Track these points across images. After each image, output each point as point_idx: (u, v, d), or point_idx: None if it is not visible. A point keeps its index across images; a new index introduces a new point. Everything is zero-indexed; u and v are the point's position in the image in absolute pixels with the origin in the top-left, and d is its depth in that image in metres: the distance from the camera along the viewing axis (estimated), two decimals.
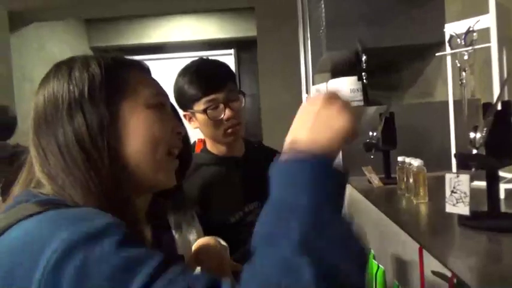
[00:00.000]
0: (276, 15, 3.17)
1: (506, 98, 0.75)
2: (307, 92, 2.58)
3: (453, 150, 1.12)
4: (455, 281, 0.91)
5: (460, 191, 0.71)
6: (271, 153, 1.30)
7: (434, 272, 1.00)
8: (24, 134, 0.60)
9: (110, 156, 0.56)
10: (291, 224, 0.44)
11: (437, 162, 1.13)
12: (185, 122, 1.16)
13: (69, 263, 0.43)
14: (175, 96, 1.17)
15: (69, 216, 0.49)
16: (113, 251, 0.45)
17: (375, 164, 1.24)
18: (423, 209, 0.98)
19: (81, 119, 0.55)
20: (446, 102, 1.17)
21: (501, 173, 0.88)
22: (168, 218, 0.95)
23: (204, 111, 1.13)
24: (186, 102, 1.16)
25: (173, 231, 0.96)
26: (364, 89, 1.58)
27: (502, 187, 0.93)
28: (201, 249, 0.89)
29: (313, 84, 2.46)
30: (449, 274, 0.92)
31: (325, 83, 1.77)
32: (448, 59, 1.15)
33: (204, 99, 1.13)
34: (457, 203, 0.72)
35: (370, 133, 1.22)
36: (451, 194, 0.72)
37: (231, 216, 1.15)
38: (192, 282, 0.44)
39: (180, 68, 1.20)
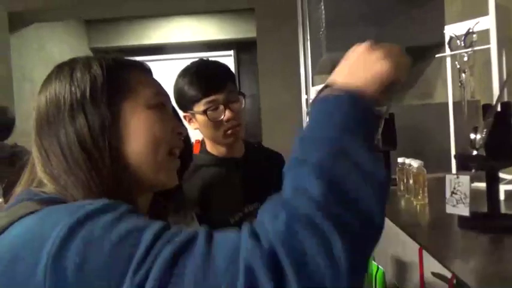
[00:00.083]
0: (275, 16, 3.18)
1: (505, 99, 0.75)
2: (306, 93, 2.58)
3: (453, 151, 1.12)
4: (455, 282, 0.91)
5: (460, 192, 0.71)
6: (271, 154, 1.30)
7: (434, 273, 1.00)
8: (24, 133, 0.60)
9: (112, 156, 0.56)
10: (312, 149, 0.47)
11: (437, 163, 1.13)
12: (185, 123, 1.16)
13: (72, 243, 0.44)
14: (175, 97, 1.17)
15: (68, 207, 0.49)
16: (115, 222, 0.45)
17: None
18: (423, 210, 0.98)
19: (83, 119, 0.56)
20: (446, 104, 1.17)
21: (501, 175, 0.88)
22: (168, 219, 0.95)
23: (204, 112, 1.13)
24: (186, 103, 1.16)
25: None
26: None
27: (502, 188, 0.93)
28: None
29: (312, 85, 2.46)
30: (449, 275, 0.92)
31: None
32: (448, 60, 1.15)
33: (204, 100, 1.13)
34: (457, 204, 0.72)
35: None
36: (451, 195, 0.72)
37: (231, 217, 1.15)
38: (187, 235, 0.45)
39: (179, 69, 1.20)
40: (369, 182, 0.45)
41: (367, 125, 0.49)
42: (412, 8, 1.62)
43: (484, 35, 1.02)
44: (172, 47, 4.80)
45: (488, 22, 0.96)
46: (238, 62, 4.87)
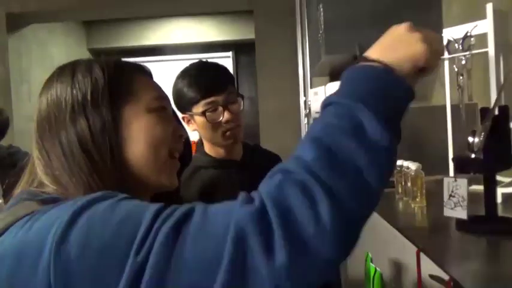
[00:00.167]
0: (274, 18, 3.18)
1: (503, 103, 0.76)
2: (305, 95, 2.59)
3: (451, 154, 1.12)
4: (452, 284, 0.91)
5: (458, 195, 0.71)
6: (269, 156, 1.30)
7: (431, 276, 1.00)
8: (22, 134, 0.60)
9: (112, 158, 0.56)
10: (323, 115, 0.49)
11: (435, 165, 1.14)
12: (183, 124, 1.16)
13: (74, 227, 0.45)
14: (174, 99, 1.17)
15: (70, 202, 0.50)
16: (115, 205, 0.46)
17: None
18: (421, 212, 0.98)
19: (84, 122, 0.56)
20: (444, 106, 1.18)
21: (498, 177, 0.88)
22: None
23: (203, 113, 1.13)
24: (184, 105, 1.16)
25: None
26: None
27: (499, 191, 0.94)
28: None
29: (311, 87, 2.47)
30: (446, 278, 0.92)
31: (323, 87, 1.77)
32: (446, 63, 1.16)
33: (203, 102, 1.13)
34: (455, 207, 0.72)
35: None
36: (449, 198, 0.72)
37: None
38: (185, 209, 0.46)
39: (178, 69, 1.20)
40: (369, 151, 0.45)
41: (385, 97, 0.48)
42: (410, 11, 1.63)
43: (482, 38, 1.02)
44: (171, 48, 4.80)
45: (486, 26, 0.96)
46: (236, 63, 4.88)
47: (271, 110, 3.13)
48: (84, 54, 4.59)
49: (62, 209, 0.48)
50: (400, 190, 1.10)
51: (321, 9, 1.70)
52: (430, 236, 0.85)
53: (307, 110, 2.28)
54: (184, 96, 1.15)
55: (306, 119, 2.42)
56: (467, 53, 1.04)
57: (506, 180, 0.99)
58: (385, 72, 0.50)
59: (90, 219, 0.45)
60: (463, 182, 0.71)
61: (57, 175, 0.55)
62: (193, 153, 1.24)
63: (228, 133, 1.15)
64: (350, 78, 0.52)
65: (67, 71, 0.60)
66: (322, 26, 1.70)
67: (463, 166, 0.72)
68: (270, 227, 0.41)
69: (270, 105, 3.15)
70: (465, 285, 0.57)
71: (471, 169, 0.70)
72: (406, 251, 1.06)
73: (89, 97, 0.57)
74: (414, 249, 0.86)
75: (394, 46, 0.53)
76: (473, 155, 0.69)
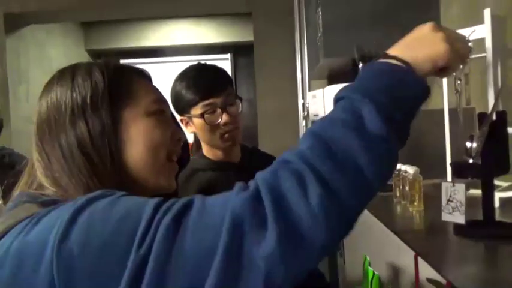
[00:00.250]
0: (273, 21, 3.19)
1: (500, 108, 0.76)
2: (303, 98, 2.59)
3: (448, 158, 1.12)
4: None
5: (456, 200, 0.72)
6: (267, 159, 1.31)
7: (429, 279, 1.00)
8: (20, 135, 0.60)
9: (112, 161, 0.57)
10: (332, 110, 0.50)
11: (432, 169, 1.14)
12: (182, 126, 1.16)
13: (75, 224, 0.45)
14: (172, 101, 1.17)
15: (69, 203, 0.50)
16: (115, 201, 0.47)
17: None
18: (419, 216, 0.98)
19: (84, 125, 0.57)
20: (442, 110, 1.18)
21: (496, 181, 0.88)
22: None
23: (202, 115, 1.13)
24: (183, 107, 1.16)
25: None
26: None
27: (497, 195, 0.94)
28: None
29: (309, 90, 2.47)
30: (444, 282, 0.92)
31: (321, 90, 1.77)
32: None
33: (201, 104, 1.13)
34: (453, 211, 0.72)
35: None
36: (447, 203, 0.72)
37: None
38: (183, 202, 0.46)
39: (177, 71, 1.20)
40: (364, 139, 0.45)
41: (394, 94, 0.49)
42: (408, 13, 1.64)
43: (480, 43, 1.03)
44: (170, 49, 4.79)
45: (483, 31, 0.97)
46: (235, 65, 4.88)
47: (270, 110, 3.13)
48: (82, 55, 4.58)
49: (62, 210, 0.48)
50: (398, 194, 1.10)
51: (320, 12, 1.71)
52: (428, 240, 0.85)
53: (305, 113, 2.28)
54: (183, 98, 1.15)
55: (304, 121, 2.42)
56: None
57: (504, 184, 0.99)
58: (400, 69, 0.51)
59: (90, 217, 0.46)
60: (461, 187, 0.71)
61: (57, 177, 0.56)
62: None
63: (226, 135, 1.15)
64: (366, 72, 0.52)
65: (67, 75, 0.60)
66: (321, 29, 1.70)
67: (461, 171, 0.73)
68: (263, 212, 0.42)
69: (268, 106, 3.15)
70: None
71: (469, 174, 0.70)
72: (404, 254, 1.06)
73: (88, 100, 0.57)
74: (412, 253, 0.87)
75: (416, 45, 0.53)
76: (471, 160, 0.69)
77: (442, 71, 0.54)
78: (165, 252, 0.42)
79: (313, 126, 0.49)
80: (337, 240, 0.45)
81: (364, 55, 1.58)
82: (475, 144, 0.68)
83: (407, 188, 1.03)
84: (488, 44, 0.95)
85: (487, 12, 0.95)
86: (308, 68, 2.46)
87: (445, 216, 0.75)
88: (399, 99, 0.49)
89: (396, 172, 1.09)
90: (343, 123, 0.47)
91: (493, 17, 0.95)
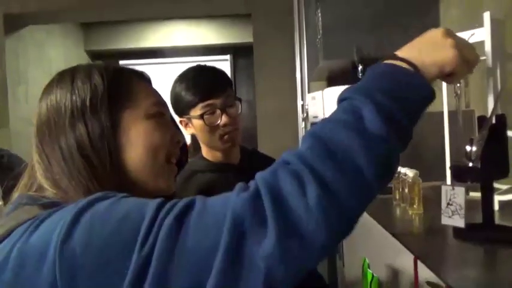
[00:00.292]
0: (272, 22, 3.19)
1: (500, 112, 0.76)
2: (302, 99, 2.59)
3: (448, 160, 1.12)
4: None
5: (455, 203, 0.72)
6: (268, 161, 1.30)
7: (429, 283, 1.00)
8: (19, 135, 0.61)
9: (111, 163, 0.57)
10: (334, 111, 0.50)
11: (432, 171, 1.14)
12: (181, 127, 1.16)
13: (78, 225, 0.45)
14: (171, 103, 1.17)
15: (71, 205, 0.50)
16: (117, 202, 0.48)
17: None
18: (418, 219, 0.98)
19: (83, 128, 0.57)
20: (441, 113, 1.18)
21: (495, 184, 0.88)
22: None
23: (201, 116, 1.13)
24: (182, 108, 1.16)
25: None
26: None
27: (496, 198, 0.94)
28: None
29: (308, 91, 2.47)
30: (443, 285, 0.92)
31: (321, 92, 1.78)
32: None
33: (200, 105, 1.13)
34: (453, 215, 0.72)
35: None
36: (447, 206, 0.72)
37: None
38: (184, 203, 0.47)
39: (176, 72, 1.20)
40: (365, 142, 0.45)
41: (396, 95, 0.49)
42: (408, 16, 1.64)
43: (479, 46, 1.03)
44: (169, 50, 4.79)
45: (483, 34, 0.97)
46: (234, 66, 4.88)
47: (269, 111, 3.13)
48: (81, 56, 4.58)
49: (64, 212, 0.48)
50: (397, 196, 1.10)
51: (319, 14, 1.71)
52: (427, 243, 0.85)
53: (305, 114, 2.29)
54: (182, 99, 1.15)
55: (303, 123, 2.42)
56: None
57: (503, 187, 0.99)
58: (407, 71, 0.51)
59: (92, 218, 0.46)
60: (460, 190, 0.71)
61: (57, 179, 0.56)
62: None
63: (225, 136, 1.15)
64: (370, 73, 0.52)
65: (67, 77, 0.60)
66: (321, 30, 1.70)
67: (460, 175, 0.73)
68: (263, 212, 0.43)
69: (268, 106, 3.15)
70: None
71: (469, 178, 0.70)
72: (403, 257, 1.06)
73: (88, 103, 0.58)
74: (411, 255, 0.86)
75: (424, 48, 0.53)
76: (470, 164, 0.69)
77: (448, 76, 0.54)
78: (168, 251, 0.43)
79: (314, 127, 0.50)
80: (338, 241, 0.45)
81: (364, 57, 1.58)
82: (474, 148, 0.68)
83: (406, 190, 1.03)
84: (488, 47, 0.95)
85: (486, 16, 0.95)
86: (308, 70, 2.46)
87: (445, 220, 0.75)
88: (403, 100, 0.49)
89: (396, 175, 1.09)
90: (343, 124, 0.47)
91: (493, 21, 0.95)
